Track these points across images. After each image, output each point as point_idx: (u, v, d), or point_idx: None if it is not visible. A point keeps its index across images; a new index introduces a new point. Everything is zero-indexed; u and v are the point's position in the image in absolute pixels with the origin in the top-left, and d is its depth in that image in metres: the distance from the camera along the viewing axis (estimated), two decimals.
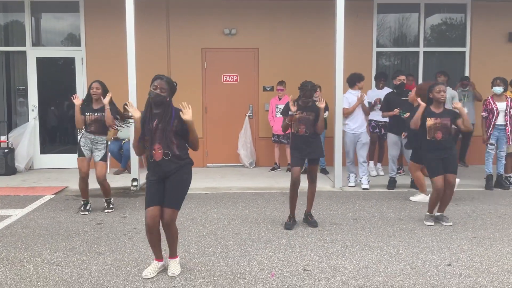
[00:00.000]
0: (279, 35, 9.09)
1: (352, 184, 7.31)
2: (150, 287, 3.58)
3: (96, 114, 5.69)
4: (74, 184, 7.28)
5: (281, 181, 7.64)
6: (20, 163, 8.60)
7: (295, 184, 5.13)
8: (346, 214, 5.77)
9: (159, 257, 3.87)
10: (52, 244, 4.59)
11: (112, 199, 5.94)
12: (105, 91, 5.75)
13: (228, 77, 9.17)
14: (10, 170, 8.33)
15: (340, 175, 7.27)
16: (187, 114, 3.60)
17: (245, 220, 5.49)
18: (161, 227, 3.76)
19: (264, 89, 9.15)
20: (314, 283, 3.69)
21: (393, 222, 5.39)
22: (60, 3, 8.95)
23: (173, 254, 3.94)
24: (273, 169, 8.73)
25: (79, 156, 5.72)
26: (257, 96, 9.20)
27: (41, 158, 9.02)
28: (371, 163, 8.28)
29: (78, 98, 5.77)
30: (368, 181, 7.20)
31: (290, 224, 5.18)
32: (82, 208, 5.83)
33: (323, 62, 8.80)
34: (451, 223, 5.26)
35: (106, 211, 5.83)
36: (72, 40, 9.10)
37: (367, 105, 7.38)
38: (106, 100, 5.59)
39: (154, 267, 3.85)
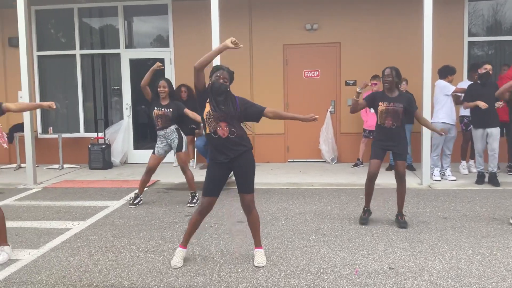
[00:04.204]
0: (362, 28, 8.89)
1: (438, 178, 7.04)
2: (235, 277, 3.70)
3: (162, 109, 5.90)
4: (164, 178, 7.71)
5: (364, 177, 7.39)
6: (115, 158, 9.25)
7: (372, 177, 5.03)
8: (435, 212, 5.53)
9: (185, 245, 4.06)
10: (146, 234, 4.90)
11: (197, 194, 6.16)
12: (171, 90, 5.97)
13: (309, 72, 9.15)
14: (107, 164, 8.99)
15: (428, 172, 6.99)
16: None
17: (327, 216, 5.47)
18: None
19: (347, 84, 9.01)
20: (400, 282, 3.60)
21: (487, 222, 5.08)
22: (150, 7, 9.47)
23: (258, 244, 4.04)
24: (355, 165, 8.58)
25: (152, 152, 6.01)
26: (339, 91, 9.09)
27: (134, 153, 9.64)
28: (463, 162, 7.85)
29: (161, 66, 5.91)
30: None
31: (365, 218, 5.09)
32: (131, 201, 6.11)
33: (409, 54, 8.48)
34: None
35: (188, 205, 6.05)
36: (161, 41, 9.59)
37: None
38: (189, 112, 5.84)
39: (180, 254, 4.00)
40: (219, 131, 3.79)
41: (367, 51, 8.87)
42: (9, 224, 5.19)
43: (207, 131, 3.84)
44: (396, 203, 5.13)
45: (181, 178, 6.31)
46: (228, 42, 3.73)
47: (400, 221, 5.01)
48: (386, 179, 7.08)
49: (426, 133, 6.92)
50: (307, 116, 3.93)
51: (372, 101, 5.06)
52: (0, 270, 3.92)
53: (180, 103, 6.05)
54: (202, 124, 3.98)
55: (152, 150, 6.04)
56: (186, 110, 5.91)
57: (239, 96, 3.96)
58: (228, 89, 3.85)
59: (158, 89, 5.91)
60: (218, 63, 3.83)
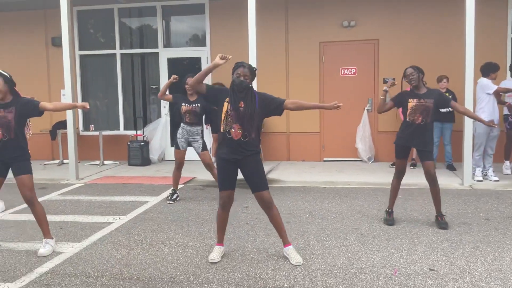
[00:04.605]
0: (401, 25, 8.73)
1: (480, 178, 6.84)
2: (272, 274, 3.71)
3: (191, 105, 5.97)
4: (200, 175, 7.80)
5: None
6: (153, 155, 9.43)
7: (400, 176, 4.97)
8: (477, 213, 5.38)
9: (221, 242, 4.13)
10: (184, 229, 4.98)
11: None
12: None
13: (346, 70, 9.05)
14: (145, 161, 9.18)
15: (470, 172, 6.80)
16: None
17: (365, 215, 5.40)
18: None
19: (385, 81, 8.85)
20: (441, 283, 3.52)
21: None
22: (187, 6, 9.60)
23: (286, 241, 4.04)
24: (393, 164, 8.42)
25: (176, 148, 6.09)
26: (377, 89, 8.95)
27: (171, 151, 9.79)
28: (506, 162, 7.58)
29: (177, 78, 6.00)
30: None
31: (391, 219, 5.01)
32: (168, 197, 6.20)
33: (450, 51, 8.28)
34: None
35: None
36: (198, 40, 9.71)
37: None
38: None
39: (218, 251, 4.06)
40: (232, 132, 3.81)
41: (406, 48, 8.69)
42: (53, 218, 5.39)
43: (222, 129, 3.87)
44: (433, 204, 5.02)
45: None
46: (217, 59, 3.75)
47: (440, 222, 4.89)
48: (424, 179, 6.90)
49: (468, 132, 6.72)
50: (331, 104, 3.85)
51: (400, 100, 4.97)
52: (45, 262, 4.08)
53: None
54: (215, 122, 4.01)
55: (175, 146, 6.12)
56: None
57: (260, 92, 3.96)
58: (249, 86, 3.86)
59: (186, 86, 5.98)
60: (241, 61, 3.85)
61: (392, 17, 8.76)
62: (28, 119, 4.38)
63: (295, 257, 3.95)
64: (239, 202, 6.07)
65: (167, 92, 6.05)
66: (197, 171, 8.07)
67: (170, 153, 9.78)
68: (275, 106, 3.91)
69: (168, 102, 9.67)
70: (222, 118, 3.84)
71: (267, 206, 3.95)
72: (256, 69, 3.94)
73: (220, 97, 3.88)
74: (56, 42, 9.65)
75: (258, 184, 3.90)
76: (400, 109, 5.15)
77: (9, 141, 4.19)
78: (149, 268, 3.90)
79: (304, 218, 5.33)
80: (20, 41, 10.05)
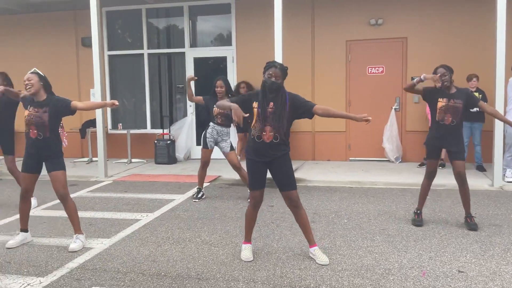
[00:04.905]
0: (430, 23, 8.58)
1: (510, 179, 6.66)
2: (298, 274, 3.71)
3: None
4: (226, 174, 7.85)
5: None
6: (179, 154, 9.54)
7: (431, 177, 4.90)
8: (507, 215, 5.25)
9: (250, 240, 4.15)
10: (210, 227, 5.03)
11: None
12: (228, 89, 6.03)
13: (373, 68, 8.96)
14: (172, 159, 9.29)
15: (500, 173, 6.65)
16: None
17: (392, 216, 5.34)
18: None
19: (412, 79, 8.71)
20: (470, 285, 3.45)
21: None
22: (213, 6, 9.66)
23: (312, 242, 4.04)
24: (421, 164, 8.30)
25: (203, 147, 6.13)
26: None
27: (197, 149, 9.88)
28: None
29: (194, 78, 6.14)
30: None
31: (419, 220, 4.94)
32: (194, 196, 6.24)
33: (479, 49, 8.12)
34: None
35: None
36: (224, 40, 9.76)
37: None
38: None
39: (249, 249, 4.09)
40: (264, 136, 3.81)
41: (435, 46, 8.54)
42: (83, 214, 5.51)
43: (252, 134, 3.87)
44: (462, 205, 4.92)
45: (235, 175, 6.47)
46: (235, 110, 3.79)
47: (470, 223, 4.80)
48: (452, 180, 6.78)
49: (498, 132, 6.57)
50: (360, 116, 3.75)
51: (430, 95, 4.89)
52: (76, 257, 4.18)
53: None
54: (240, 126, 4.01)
55: (202, 145, 6.17)
56: None
57: (292, 93, 3.93)
58: (281, 86, 3.85)
59: (216, 89, 6.03)
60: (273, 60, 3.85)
61: (421, 15, 8.62)
62: (61, 121, 4.48)
63: (321, 257, 3.94)
64: (264, 201, 6.05)
65: (194, 93, 6.10)
66: (223, 170, 8.12)
67: (196, 152, 9.87)
68: (304, 110, 3.89)
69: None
70: (253, 123, 3.85)
71: (295, 206, 3.96)
72: (287, 68, 3.93)
73: (246, 105, 3.86)
74: (86, 43, 9.85)
75: (287, 183, 3.91)
76: (427, 108, 5.07)
77: (43, 140, 4.31)
78: (176, 265, 3.95)
79: (330, 218, 5.30)
80: (50, 42, 10.30)
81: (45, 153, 4.35)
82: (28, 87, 4.29)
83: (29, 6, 10.16)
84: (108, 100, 10.06)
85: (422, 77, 4.82)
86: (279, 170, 3.91)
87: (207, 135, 6.12)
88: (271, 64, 3.86)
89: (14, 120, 5.97)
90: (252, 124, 3.85)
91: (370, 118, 3.75)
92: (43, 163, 4.40)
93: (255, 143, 3.87)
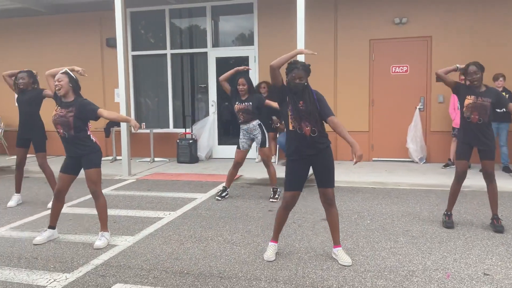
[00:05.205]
0: (455, 22, 8.43)
1: None
2: (320, 274, 3.70)
3: (243, 103, 6.01)
4: (247, 173, 7.86)
5: None
6: (201, 153, 9.60)
7: (460, 178, 4.79)
8: None
9: (277, 239, 4.14)
10: (231, 226, 5.05)
11: (278, 189, 6.21)
12: (250, 87, 6.04)
13: (397, 68, 8.85)
14: (194, 158, 9.36)
15: None
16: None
17: (416, 217, 5.27)
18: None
19: (438, 80, 8.57)
20: None
21: None
22: (236, 6, 9.68)
23: (337, 242, 4.02)
24: (446, 165, 8.16)
25: (237, 147, 6.19)
26: (429, 87, 8.70)
27: (218, 149, 9.94)
28: None
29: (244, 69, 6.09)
30: None
31: (450, 222, 4.85)
32: (219, 193, 6.29)
33: (506, 48, 7.91)
34: None
35: (271, 200, 6.14)
36: (246, 39, 9.78)
37: None
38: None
39: (273, 249, 4.07)
40: (303, 128, 3.82)
41: (460, 45, 8.39)
42: (108, 212, 5.58)
43: (291, 127, 3.88)
44: (490, 206, 4.82)
45: (263, 174, 6.44)
46: (303, 49, 4.07)
47: (496, 225, 4.70)
48: (478, 181, 6.65)
49: None
50: (357, 152, 3.75)
51: (459, 90, 4.84)
52: (100, 254, 4.25)
53: (260, 95, 6.17)
54: (283, 121, 4.02)
55: (237, 145, 6.20)
56: (268, 101, 6.02)
57: (316, 91, 3.93)
58: (305, 84, 3.85)
59: (238, 87, 6.04)
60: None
61: (446, 14, 8.47)
62: (89, 122, 4.56)
63: (344, 258, 3.92)
64: None
65: (226, 86, 6.09)
66: (244, 169, 8.13)
67: (217, 151, 9.92)
68: (322, 114, 3.87)
69: (216, 101, 9.82)
70: (289, 116, 3.87)
71: (329, 203, 3.97)
72: (310, 65, 3.92)
73: (286, 96, 3.89)
74: (111, 43, 10.00)
75: (327, 180, 3.94)
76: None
77: (69, 138, 4.41)
78: (199, 263, 3.98)
79: (352, 218, 5.26)
80: (76, 42, 10.48)
81: (76, 152, 4.44)
82: (57, 88, 4.38)
83: (56, 8, 10.39)
84: (132, 100, 10.19)
85: (456, 67, 4.84)
86: (321, 165, 3.91)
87: (240, 136, 6.18)
88: (293, 66, 3.85)
89: (39, 118, 6.04)
90: (289, 117, 3.87)
91: (360, 158, 3.78)
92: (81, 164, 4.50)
93: (295, 136, 3.86)
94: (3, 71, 6.18)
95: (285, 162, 4.12)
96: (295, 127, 3.84)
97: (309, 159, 3.91)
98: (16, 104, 6.06)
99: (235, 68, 6.07)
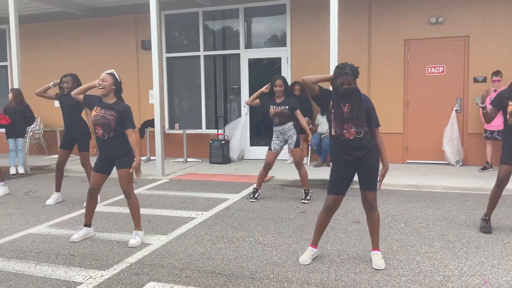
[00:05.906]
0: (494, 21, 8.18)
1: None
2: (353, 277, 3.65)
3: (279, 107, 5.98)
4: (278, 175, 7.86)
5: (494, 182, 6.87)
6: (233, 154, 9.65)
7: (502, 183, 4.64)
8: None
9: (316, 244, 4.08)
10: (263, 227, 5.05)
11: (310, 191, 6.19)
12: (286, 88, 6.02)
13: (433, 68, 8.66)
14: (226, 159, 9.42)
15: None
16: None
17: (452, 221, 5.13)
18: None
19: (476, 81, 8.35)
20: None
21: None
22: (268, 7, 9.70)
23: (376, 246, 3.96)
24: (484, 168, 7.93)
25: (268, 149, 6.18)
26: (466, 88, 8.46)
27: (250, 150, 9.97)
28: None
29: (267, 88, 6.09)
30: None
31: (488, 227, 4.69)
32: (251, 196, 6.28)
33: None
34: None
35: (302, 201, 6.11)
36: (278, 40, 9.78)
37: None
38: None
39: (310, 253, 4.02)
40: (345, 134, 3.78)
41: (499, 45, 8.13)
42: (141, 211, 5.67)
43: (333, 132, 3.85)
44: None
45: (295, 175, 6.42)
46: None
47: None
48: None
49: None
50: (386, 170, 3.90)
51: (500, 102, 4.68)
52: (135, 253, 4.33)
53: (295, 100, 6.12)
54: (316, 123, 3.99)
55: (268, 147, 6.20)
56: (298, 112, 6.00)
57: (366, 96, 3.89)
58: (354, 90, 3.79)
59: (275, 88, 6.01)
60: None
61: (484, 13, 8.23)
62: None
63: (377, 261, 3.86)
64: (318, 203, 6.04)
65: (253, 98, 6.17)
66: (276, 171, 8.13)
67: (249, 152, 9.95)
68: (370, 121, 3.86)
69: None
70: (332, 121, 3.85)
71: (370, 206, 3.93)
72: (358, 67, 3.87)
73: (328, 101, 3.87)
74: (145, 45, 10.19)
75: (369, 183, 3.89)
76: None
77: (108, 140, 4.50)
78: (231, 264, 4.01)
79: (386, 221, 5.18)
80: (111, 45, 10.74)
81: (112, 153, 4.53)
82: (100, 87, 4.48)
83: (93, 11, 10.67)
84: (166, 101, 10.35)
85: (480, 104, 4.87)
86: (365, 166, 3.85)
87: (273, 138, 6.17)
88: (342, 71, 3.76)
89: (82, 118, 6.19)
90: (332, 127, 3.86)
91: (383, 179, 3.93)
92: (114, 164, 4.59)
93: (338, 141, 3.85)
94: (39, 74, 6.34)
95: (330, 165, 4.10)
96: (337, 132, 3.82)
97: (353, 162, 3.86)
98: (58, 105, 6.20)
99: (260, 90, 6.11)
